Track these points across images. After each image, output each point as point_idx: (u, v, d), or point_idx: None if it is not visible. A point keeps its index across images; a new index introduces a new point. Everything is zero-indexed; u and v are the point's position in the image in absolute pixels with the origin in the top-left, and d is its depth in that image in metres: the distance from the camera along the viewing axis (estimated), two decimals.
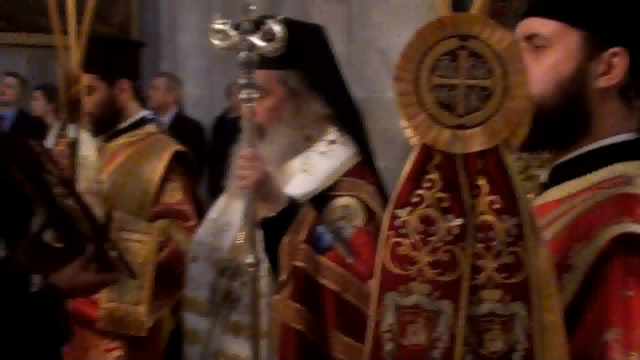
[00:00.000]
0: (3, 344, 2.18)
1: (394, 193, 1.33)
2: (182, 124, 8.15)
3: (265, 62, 2.52)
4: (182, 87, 8.74)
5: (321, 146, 2.78)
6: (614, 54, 1.59)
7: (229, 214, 2.93)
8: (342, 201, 2.69)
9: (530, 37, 1.64)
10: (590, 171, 1.62)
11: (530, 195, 1.73)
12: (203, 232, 3.01)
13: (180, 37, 9.66)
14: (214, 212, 3.02)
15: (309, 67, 2.76)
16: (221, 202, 3.02)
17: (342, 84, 2.87)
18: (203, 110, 9.11)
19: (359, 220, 2.65)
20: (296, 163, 2.77)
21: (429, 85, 1.30)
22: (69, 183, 2.48)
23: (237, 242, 2.82)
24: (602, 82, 1.61)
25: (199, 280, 2.90)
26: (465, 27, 1.29)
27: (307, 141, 2.80)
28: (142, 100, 8.96)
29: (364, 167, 2.78)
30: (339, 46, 6.64)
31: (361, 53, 6.79)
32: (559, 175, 1.68)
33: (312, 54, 2.77)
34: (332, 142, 2.78)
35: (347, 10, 6.87)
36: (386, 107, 5.79)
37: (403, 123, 1.33)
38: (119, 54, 3.68)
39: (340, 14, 6.93)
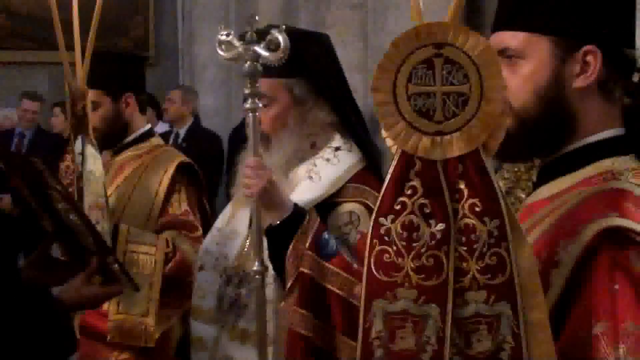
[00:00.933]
0: (9, 356, 2.21)
1: (377, 202, 1.35)
2: (199, 135, 8.20)
3: (270, 70, 2.53)
4: (199, 98, 8.78)
5: (326, 153, 2.79)
6: (587, 52, 1.61)
7: (235, 222, 2.95)
8: (347, 207, 2.70)
9: (501, 51, 1.64)
10: (578, 169, 1.64)
11: (522, 195, 1.75)
12: (209, 240, 3.02)
13: (197, 49, 9.70)
14: (220, 221, 3.04)
15: (314, 75, 2.77)
16: (227, 210, 3.04)
17: (346, 91, 2.88)
18: (221, 121, 9.15)
19: (364, 225, 2.65)
20: (301, 170, 2.79)
21: (406, 94, 1.33)
22: (71, 198, 2.52)
23: (243, 250, 2.84)
24: (580, 82, 1.62)
25: (205, 289, 2.91)
26: (439, 35, 1.31)
27: (312, 148, 2.82)
28: (159, 113, 8.97)
29: (369, 173, 2.79)
30: (354, 52, 6.66)
31: (377, 59, 6.76)
32: (548, 174, 1.69)
33: (317, 62, 2.78)
34: (337, 148, 2.80)
35: (363, 16, 6.85)
36: None
37: (384, 133, 1.35)
38: (123, 68, 3.71)
39: (356, 20, 6.91)
